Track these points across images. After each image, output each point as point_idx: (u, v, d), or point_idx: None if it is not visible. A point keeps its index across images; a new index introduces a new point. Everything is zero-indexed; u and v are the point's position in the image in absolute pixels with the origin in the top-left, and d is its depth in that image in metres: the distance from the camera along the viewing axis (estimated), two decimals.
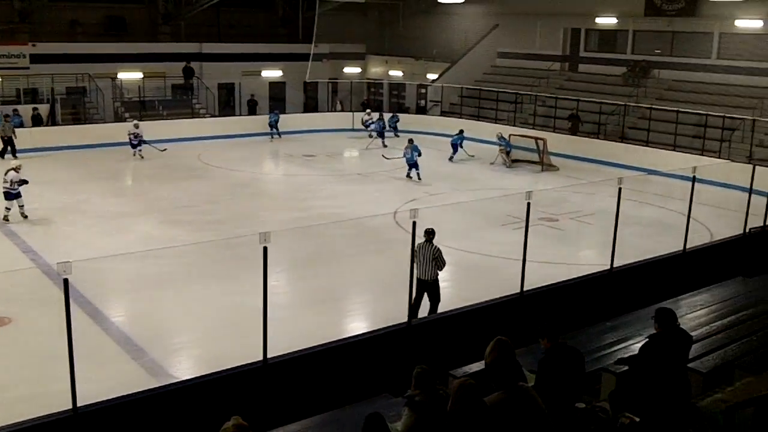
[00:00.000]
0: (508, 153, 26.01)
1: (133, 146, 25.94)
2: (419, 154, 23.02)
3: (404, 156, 23.33)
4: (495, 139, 26.62)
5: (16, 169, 17.76)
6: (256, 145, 29.32)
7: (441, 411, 5.41)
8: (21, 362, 10.45)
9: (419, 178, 22.96)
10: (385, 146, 28.92)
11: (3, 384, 9.64)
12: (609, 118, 28.04)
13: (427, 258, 11.58)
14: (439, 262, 11.66)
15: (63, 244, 15.75)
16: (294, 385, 8.51)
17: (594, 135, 27.71)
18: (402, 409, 5.69)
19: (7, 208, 17.53)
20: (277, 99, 36.51)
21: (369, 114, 32.16)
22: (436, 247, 11.65)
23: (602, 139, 27.30)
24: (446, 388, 6.02)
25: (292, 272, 14.47)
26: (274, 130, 30.85)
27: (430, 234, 11.64)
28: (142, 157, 25.69)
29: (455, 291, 13.59)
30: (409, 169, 23.19)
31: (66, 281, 6.85)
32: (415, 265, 10.93)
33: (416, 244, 11.28)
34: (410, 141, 23.51)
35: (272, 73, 36.42)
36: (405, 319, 9.52)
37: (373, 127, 30.75)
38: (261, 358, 8.23)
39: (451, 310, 10.45)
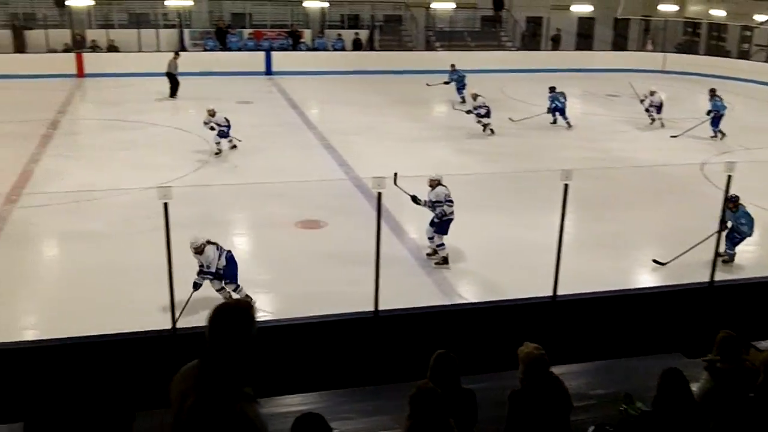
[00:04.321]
0: None
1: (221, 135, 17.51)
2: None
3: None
4: None
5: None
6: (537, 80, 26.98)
7: (743, 382, 5.10)
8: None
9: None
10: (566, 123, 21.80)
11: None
12: None
13: None
14: None
15: (370, 162, 16.30)
16: (583, 325, 8.34)
17: None
18: (700, 372, 5.41)
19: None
20: (585, 36, 35.36)
21: (476, 98, 20.59)
22: None
23: None
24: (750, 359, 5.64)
25: (581, 213, 13.98)
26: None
27: None
28: (219, 152, 17.44)
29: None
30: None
31: (380, 195, 7.30)
32: None
33: None
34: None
35: (582, 8, 35.21)
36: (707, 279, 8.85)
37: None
38: (551, 294, 8.18)
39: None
